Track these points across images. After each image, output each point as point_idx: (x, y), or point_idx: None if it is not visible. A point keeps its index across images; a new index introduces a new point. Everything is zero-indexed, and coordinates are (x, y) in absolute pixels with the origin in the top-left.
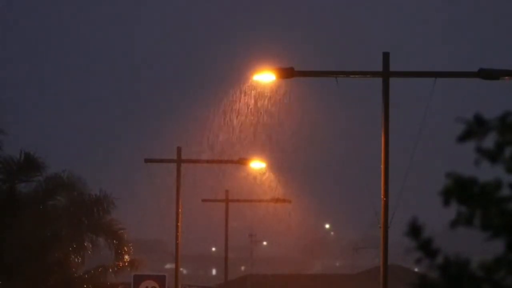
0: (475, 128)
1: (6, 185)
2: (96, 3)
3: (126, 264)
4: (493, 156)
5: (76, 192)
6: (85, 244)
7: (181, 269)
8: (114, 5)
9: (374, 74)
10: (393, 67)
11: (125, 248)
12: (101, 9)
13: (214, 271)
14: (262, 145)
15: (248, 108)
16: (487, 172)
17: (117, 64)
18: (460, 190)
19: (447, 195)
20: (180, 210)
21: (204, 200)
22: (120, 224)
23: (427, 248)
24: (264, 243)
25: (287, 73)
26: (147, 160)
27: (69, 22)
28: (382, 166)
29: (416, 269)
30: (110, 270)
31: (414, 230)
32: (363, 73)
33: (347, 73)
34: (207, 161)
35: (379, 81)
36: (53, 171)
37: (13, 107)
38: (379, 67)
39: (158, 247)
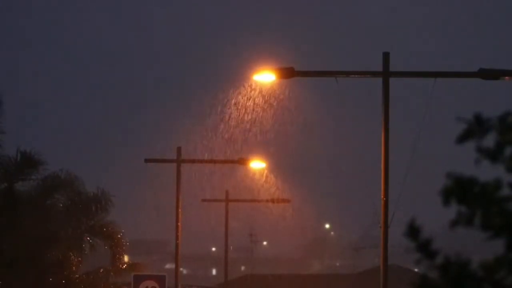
0: (476, 127)
1: (4, 185)
2: (97, 3)
3: (125, 266)
4: (493, 155)
5: (73, 190)
6: (83, 245)
7: (181, 269)
8: (115, 4)
9: (374, 74)
10: (393, 67)
11: (122, 250)
12: (102, 9)
13: (214, 271)
14: (262, 145)
15: (248, 108)
16: (487, 172)
17: (117, 64)
18: (460, 190)
19: (447, 195)
20: (180, 210)
21: (204, 200)
22: (117, 228)
23: (426, 249)
24: (264, 243)
25: (287, 73)
26: (147, 160)
27: (70, 20)
28: (382, 166)
29: (416, 269)
30: (112, 273)
31: (413, 230)
32: (363, 73)
33: (347, 73)
34: (207, 161)
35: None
36: (52, 170)
37: (12, 107)
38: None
39: (158, 247)
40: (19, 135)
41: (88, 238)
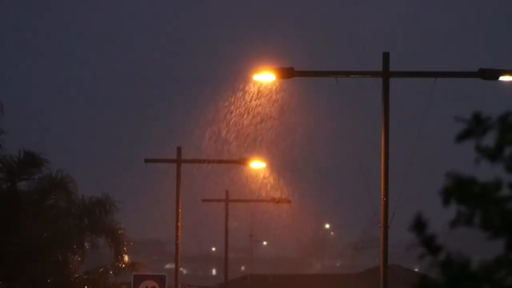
0: (474, 126)
1: (7, 184)
2: (96, 7)
3: (125, 266)
4: (493, 155)
5: (69, 192)
6: (85, 244)
7: (181, 269)
8: (114, 7)
9: (374, 74)
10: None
11: (124, 248)
12: (102, 12)
13: (214, 271)
14: (262, 145)
15: (248, 108)
16: (487, 172)
17: (116, 64)
18: (459, 189)
19: (447, 195)
20: (180, 210)
21: (204, 200)
22: (120, 225)
23: (430, 244)
24: (264, 243)
25: (287, 73)
26: (147, 160)
27: (69, 20)
28: (382, 166)
29: (416, 269)
30: (111, 272)
31: (419, 225)
32: (363, 73)
33: (347, 73)
34: (207, 161)
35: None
36: (53, 170)
37: (12, 106)
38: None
39: (158, 247)
40: (20, 135)
41: (89, 237)
